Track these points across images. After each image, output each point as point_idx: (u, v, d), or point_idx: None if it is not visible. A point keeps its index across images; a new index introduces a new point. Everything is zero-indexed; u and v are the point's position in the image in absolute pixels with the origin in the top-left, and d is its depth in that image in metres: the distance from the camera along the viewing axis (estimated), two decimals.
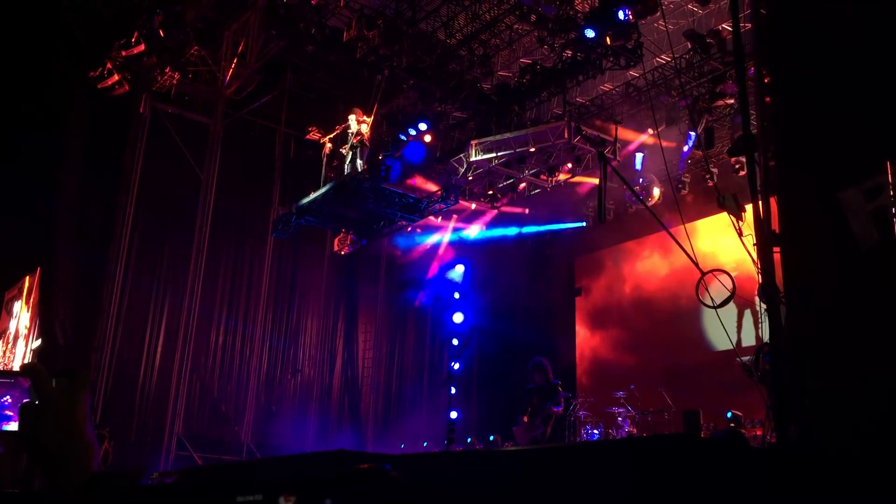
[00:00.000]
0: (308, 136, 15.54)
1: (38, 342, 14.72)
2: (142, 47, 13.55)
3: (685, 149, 14.83)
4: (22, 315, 15.58)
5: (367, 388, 17.62)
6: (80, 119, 14.23)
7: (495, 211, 17.78)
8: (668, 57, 13.49)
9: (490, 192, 17.10)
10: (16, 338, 15.82)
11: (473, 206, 17.58)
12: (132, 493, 1.52)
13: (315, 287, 17.23)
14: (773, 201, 5.19)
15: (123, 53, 13.67)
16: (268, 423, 15.48)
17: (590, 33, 12.02)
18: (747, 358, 6.11)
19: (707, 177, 14.51)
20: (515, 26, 13.18)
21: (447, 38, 13.42)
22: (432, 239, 18.52)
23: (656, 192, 15.46)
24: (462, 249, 18.71)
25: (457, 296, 18.84)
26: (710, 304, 6.45)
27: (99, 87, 13.83)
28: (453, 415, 17.73)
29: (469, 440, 16.42)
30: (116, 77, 13.86)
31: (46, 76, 13.72)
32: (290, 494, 1.31)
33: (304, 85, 15.63)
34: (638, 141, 15.03)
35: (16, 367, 15.48)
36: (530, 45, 13.81)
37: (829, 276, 4.56)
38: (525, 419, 10.82)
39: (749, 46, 6.18)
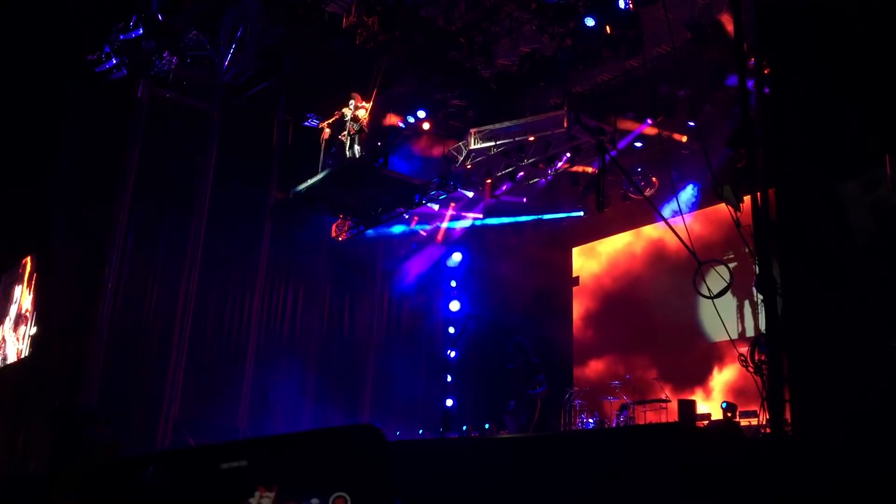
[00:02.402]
0: (306, 123, 15.50)
1: (36, 329, 14.72)
2: (140, 31, 13.50)
3: (684, 139, 14.83)
4: (23, 300, 15.57)
5: (362, 376, 17.64)
6: (78, 102, 14.19)
7: (493, 199, 17.77)
8: (668, 46, 13.45)
9: (488, 181, 17.08)
10: (14, 322, 15.82)
11: (471, 194, 17.56)
12: (120, 464, 1.51)
13: (312, 273, 17.22)
14: (771, 192, 5.20)
15: (122, 37, 13.61)
16: (263, 409, 15.51)
17: (590, 22, 12.00)
18: (744, 349, 6.12)
19: (705, 167, 14.49)
20: (515, 14, 13.13)
21: (447, 25, 13.37)
22: (430, 226, 18.52)
23: (654, 181, 15.46)
24: (459, 237, 18.71)
25: (454, 284, 18.86)
26: (706, 294, 6.46)
27: (97, 70, 13.77)
28: (449, 402, 17.81)
29: (464, 428, 16.47)
30: (114, 61, 13.81)
31: (45, 59, 13.67)
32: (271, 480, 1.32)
33: (303, 71, 15.56)
34: (637, 131, 15.01)
35: (10, 352, 15.49)
36: (530, 33, 13.77)
37: (827, 267, 4.57)
38: (513, 404, 10.86)
39: (750, 37, 6.17)
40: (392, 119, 15.45)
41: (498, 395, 16.66)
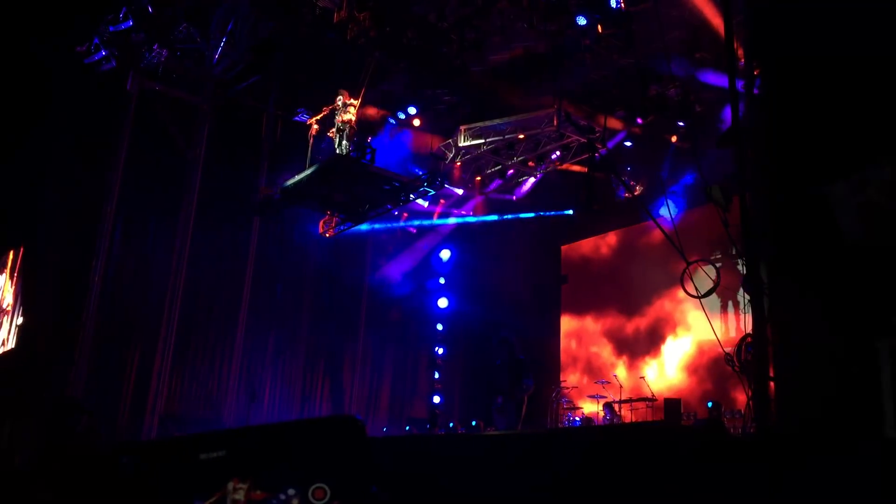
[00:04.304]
0: (296, 118, 15.43)
1: (22, 319, 14.62)
2: (130, 23, 13.42)
3: (674, 139, 14.86)
4: (5, 292, 15.46)
5: (349, 372, 17.61)
6: (66, 94, 14.09)
7: (483, 197, 17.77)
8: (659, 46, 13.45)
9: (478, 178, 17.08)
10: None
11: (461, 191, 17.55)
12: (100, 454, 1.51)
13: (300, 269, 17.17)
14: (759, 193, 5.21)
15: (111, 29, 13.52)
16: (250, 407, 15.47)
17: (581, 21, 12.00)
18: (730, 348, 6.14)
19: (695, 167, 14.52)
20: (507, 12, 13.11)
21: (438, 21, 13.34)
22: (418, 223, 18.50)
23: (643, 180, 15.49)
24: (448, 234, 18.70)
25: (442, 281, 18.85)
26: (694, 293, 6.47)
27: (86, 62, 13.69)
28: (436, 399, 17.83)
29: (451, 425, 16.48)
30: (104, 53, 13.72)
31: (33, 50, 13.57)
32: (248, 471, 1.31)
33: (294, 66, 15.51)
34: (627, 129, 15.04)
35: None
36: (522, 31, 13.75)
37: (814, 268, 4.58)
38: (501, 400, 10.84)
39: (740, 37, 6.18)
40: (381, 115, 15.42)
41: (485, 393, 16.69)
